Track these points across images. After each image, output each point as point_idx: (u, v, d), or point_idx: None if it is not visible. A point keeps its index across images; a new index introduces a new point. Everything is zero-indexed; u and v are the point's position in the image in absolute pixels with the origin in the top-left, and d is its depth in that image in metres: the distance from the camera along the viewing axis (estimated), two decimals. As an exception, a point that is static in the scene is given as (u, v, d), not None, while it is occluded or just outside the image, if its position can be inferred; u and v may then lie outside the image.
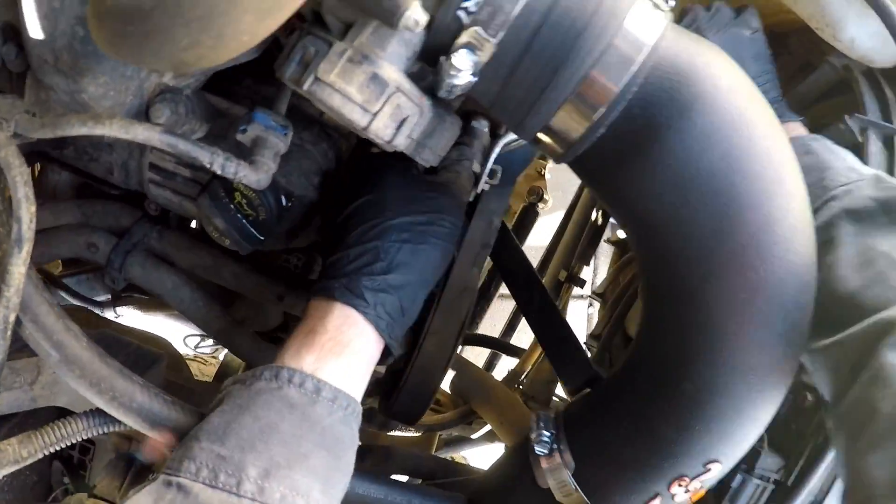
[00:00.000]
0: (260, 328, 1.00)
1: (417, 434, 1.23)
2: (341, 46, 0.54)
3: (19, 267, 0.54)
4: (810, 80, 0.98)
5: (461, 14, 0.54)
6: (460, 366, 1.21)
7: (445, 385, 1.29)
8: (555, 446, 0.72)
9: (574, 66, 0.54)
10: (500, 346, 1.56)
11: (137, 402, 0.61)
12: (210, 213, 0.73)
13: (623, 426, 0.69)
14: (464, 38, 0.54)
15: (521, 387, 1.32)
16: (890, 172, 0.87)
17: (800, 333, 0.63)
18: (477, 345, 1.57)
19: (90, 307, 1.05)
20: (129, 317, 1.13)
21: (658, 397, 0.67)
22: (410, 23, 0.52)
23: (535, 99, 0.56)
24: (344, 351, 0.63)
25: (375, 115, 0.55)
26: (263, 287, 0.87)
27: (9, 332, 0.55)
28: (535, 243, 1.57)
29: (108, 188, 0.80)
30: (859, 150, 0.88)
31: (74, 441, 0.62)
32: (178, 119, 0.63)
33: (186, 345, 1.09)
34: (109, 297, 1.08)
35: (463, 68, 0.54)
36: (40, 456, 0.59)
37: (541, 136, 0.59)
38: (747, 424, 0.65)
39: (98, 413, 0.63)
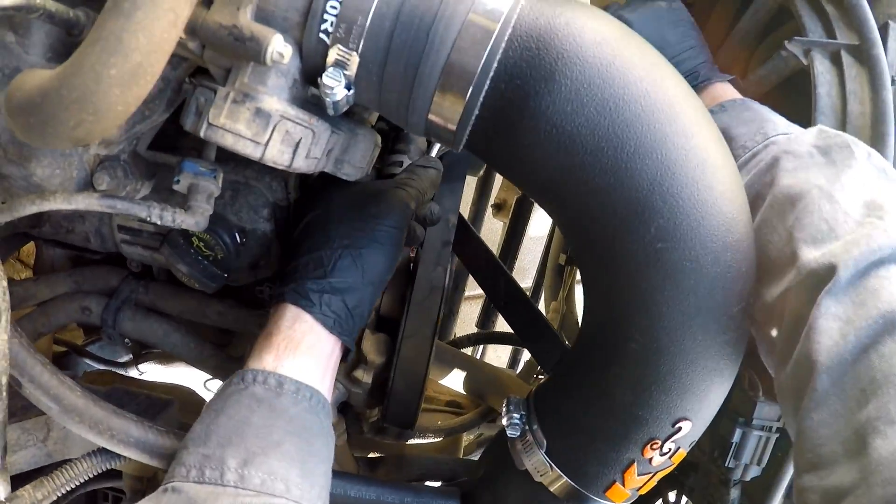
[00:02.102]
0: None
1: (440, 440, 1.29)
2: (224, 91, 0.62)
3: (2, 335, 0.65)
4: (748, 15, 0.99)
5: (323, 36, 0.62)
6: (469, 365, 1.27)
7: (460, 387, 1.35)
8: (526, 427, 0.77)
9: (431, 58, 0.59)
10: (506, 338, 1.60)
11: (134, 437, 0.72)
12: (172, 259, 0.83)
13: (584, 396, 0.73)
14: (331, 56, 0.61)
15: (539, 377, 1.36)
16: (841, 88, 0.88)
17: (739, 273, 0.64)
18: (489, 342, 1.63)
19: (114, 369, 1.19)
20: (152, 372, 1.25)
21: (610, 363, 0.70)
22: (276, 56, 0.59)
23: (408, 96, 0.62)
24: (298, 348, 0.72)
25: (266, 144, 0.63)
26: (245, 319, 0.96)
27: (3, 393, 0.66)
28: (536, 234, 1.62)
29: (90, 254, 0.92)
30: (806, 74, 0.90)
31: (83, 480, 0.72)
32: (119, 182, 0.72)
33: (207, 388, 1.20)
34: (131, 356, 1.21)
35: (334, 85, 0.61)
36: (54, 498, 0.69)
37: (428, 129, 0.66)
38: (705, 375, 0.67)
39: (101, 452, 0.73)
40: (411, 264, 0.98)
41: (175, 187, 0.74)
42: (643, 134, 0.60)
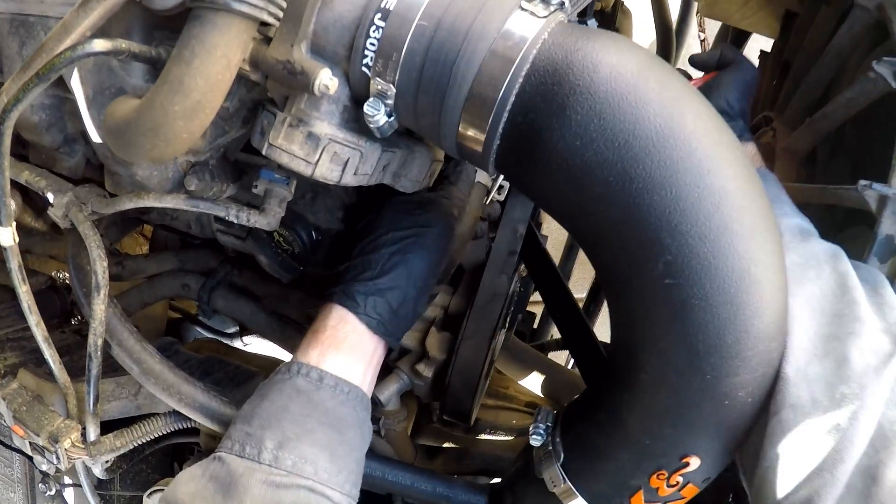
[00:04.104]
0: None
1: (512, 438, 1.37)
2: (283, 116, 0.74)
3: (100, 304, 0.83)
4: (842, 31, 0.96)
5: (365, 70, 0.72)
6: (549, 369, 1.33)
7: (536, 388, 1.42)
8: (549, 438, 0.84)
9: (454, 92, 0.67)
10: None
11: (199, 402, 0.88)
12: (256, 251, 0.99)
13: (600, 419, 0.78)
14: (372, 88, 0.72)
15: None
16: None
17: (753, 316, 0.64)
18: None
19: (220, 338, 1.39)
20: (256, 345, 1.45)
21: (623, 390, 0.74)
22: (322, 88, 0.70)
23: (437, 124, 0.71)
24: (341, 346, 0.83)
25: (316, 164, 0.74)
26: (322, 308, 1.10)
27: (99, 352, 0.84)
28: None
29: (192, 238, 1.10)
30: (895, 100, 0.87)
31: (158, 435, 0.90)
32: (206, 184, 0.88)
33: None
34: (237, 328, 1.41)
35: (374, 113, 0.71)
36: (131, 447, 0.87)
37: (459, 152, 0.74)
38: (714, 415, 0.69)
39: (174, 413, 0.91)
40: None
41: (254, 191, 0.88)
42: (653, 170, 0.63)
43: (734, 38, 1.76)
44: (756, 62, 1.56)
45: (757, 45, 1.63)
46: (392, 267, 0.86)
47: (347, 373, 0.83)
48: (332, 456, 0.77)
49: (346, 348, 0.83)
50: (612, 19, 1.67)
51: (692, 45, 2.02)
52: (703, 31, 1.92)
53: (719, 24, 1.75)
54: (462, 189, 0.97)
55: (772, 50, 1.50)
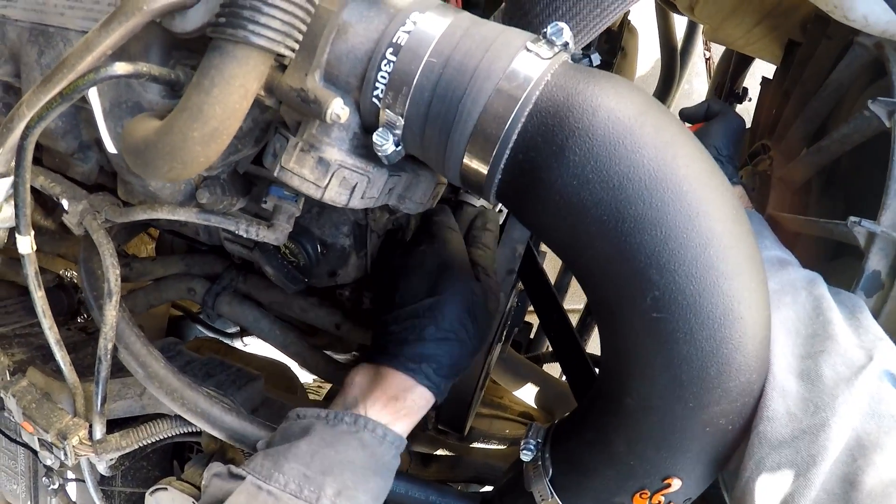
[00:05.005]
0: (341, 352, 1.29)
1: (505, 447, 1.41)
2: (295, 140, 0.77)
3: (111, 310, 0.87)
4: (841, 66, 1.00)
5: (375, 101, 0.76)
6: (543, 381, 1.38)
7: (530, 399, 1.47)
8: (538, 453, 0.88)
9: (459, 128, 0.71)
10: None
11: (201, 408, 0.91)
12: (262, 261, 1.03)
13: (587, 437, 0.82)
14: (381, 118, 0.76)
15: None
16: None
17: (736, 350, 0.69)
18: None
19: (221, 338, 1.43)
20: (255, 346, 1.49)
21: (610, 412, 0.78)
22: (334, 117, 0.74)
23: (442, 157, 0.75)
24: (410, 413, 0.89)
25: (325, 188, 0.78)
26: (324, 317, 1.15)
27: (109, 356, 0.88)
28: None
29: (200, 244, 1.14)
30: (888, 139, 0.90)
31: (162, 437, 0.95)
32: (217, 198, 0.91)
33: (303, 368, 1.41)
34: (238, 328, 1.45)
35: (382, 143, 0.75)
36: (136, 446, 0.92)
37: (463, 183, 0.78)
38: (696, 440, 0.73)
39: (178, 418, 0.95)
40: None
41: (263, 206, 0.93)
42: (644, 211, 0.67)
43: (737, 62, 1.80)
44: (758, 87, 1.61)
45: (759, 72, 1.67)
46: (441, 336, 0.90)
47: (402, 431, 0.89)
48: (376, 502, 0.83)
49: (416, 416, 0.89)
50: (618, 38, 1.70)
51: (697, 63, 2.07)
52: (708, 49, 1.96)
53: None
54: (488, 234, 1.05)
55: (773, 77, 1.54)
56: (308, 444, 0.82)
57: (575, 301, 1.81)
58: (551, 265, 1.21)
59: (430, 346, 0.89)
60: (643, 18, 1.89)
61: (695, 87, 2.36)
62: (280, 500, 0.77)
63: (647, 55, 2.11)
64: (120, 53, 0.72)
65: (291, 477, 0.78)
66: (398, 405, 0.88)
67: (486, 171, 0.73)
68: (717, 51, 1.95)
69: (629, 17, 1.76)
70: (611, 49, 1.66)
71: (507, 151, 0.71)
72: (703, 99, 1.28)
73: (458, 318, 0.91)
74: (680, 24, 2.05)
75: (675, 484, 0.77)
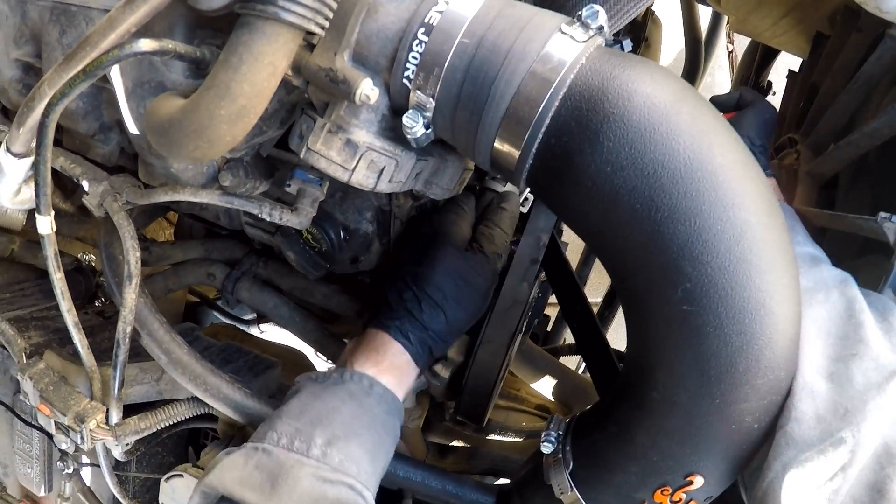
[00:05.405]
0: (359, 340, 1.28)
1: (522, 440, 1.40)
2: (322, 122, 0.76)
3: (131, 293, 0.86)
4: (872, 59, 0.98)
5: (406, 82, 0.74)
6: (561, 374, 1.36)
7: (547, 392, 1.46)
8: (559, 445, 0.87)
9: (491, 110, 0.69)
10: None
11: (223, 393, 0.91)
12: (284, 246, 1.02)
13: (609, 431, 0.81)
14: (411, 100, 0.74)
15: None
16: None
17: (765, 341, 0.67)
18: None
19: (237, 325, 1.42)
20: (271, 332, 1.48)
21: (634, 406, 0.77)
22: (363, 97, 0.73)
23: (473, 140, 0.73)
24: (394, 371, 0.91)
25: (353, 170, 0.77)
26: (345, 304, 1.14)
27: (127, 339, 0.87)
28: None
29: (219, 229, 1.13)
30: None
31: (180, 419, 0.94)
32: (240, 181, 0.90)
33: (319, 356, 1.40)
34: (255, 315, 1.44)
35: (412, 125, 0.73)
36: (154, 430, 0.91)
37: (492, 167, 0.77)
38: (720, 437, 0.72)
39: (196, 400, 0.95)
40: None
41: (287, 189, 0.91)
42: (678, 200, 0.65)
43: (763, 54, 1.77)
44: (782, 81, 1.58)
45: (785, 65, 1.64)
46: (442, 318, 0.94)
47: (391, 387, 0.90)
48: (372, 459, 0.82)
49: (398, 373, 0.91)
50: (642, 28, 1.68)
51: (720, 56, 2.04)
52: (731, 42, 1.94)
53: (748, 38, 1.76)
54: (504, 222, 1.05)
55: (800, 70, 1.52)
56: (298, 400, 0.84)
57: (593, 294, 1.79)
58: (570, 257, 1.20)
59: (405, 308, 0.93)
60: (667, 8, 1.87)
61: (717, 80, 2.34)
62: (272, 454, 0.77)
63: (670, 46, 2.09)
64: (143, 32, 0.71)
65: (283, 433, 0.79)
66: (379, 358, 0.91)
67: (517, 155, 0.72)
68: (740, 44, 1.92)
69: (653, 7, 1.73)
70: (634, 39, 1.64)
71: (540, 135, 0.69)
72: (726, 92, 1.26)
73: (438, 286, 0.94)
74: (704, 15, 2.03)
75: (698, 481, 0.75)
